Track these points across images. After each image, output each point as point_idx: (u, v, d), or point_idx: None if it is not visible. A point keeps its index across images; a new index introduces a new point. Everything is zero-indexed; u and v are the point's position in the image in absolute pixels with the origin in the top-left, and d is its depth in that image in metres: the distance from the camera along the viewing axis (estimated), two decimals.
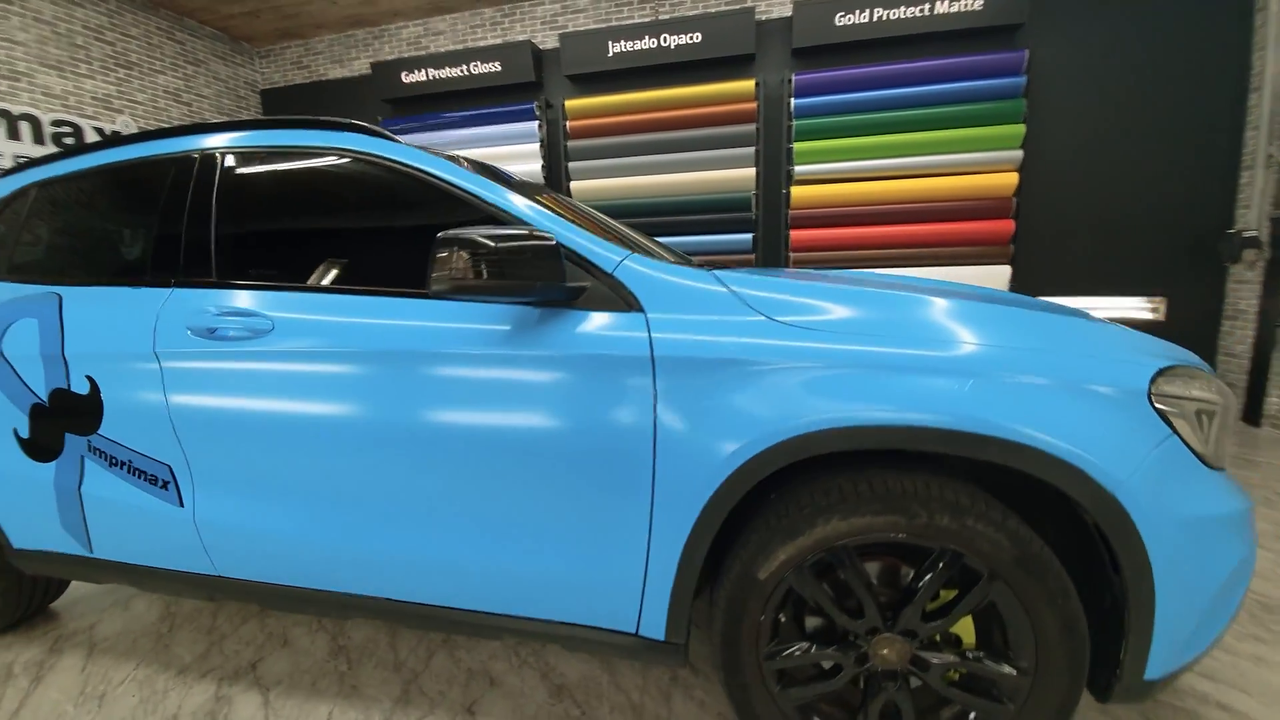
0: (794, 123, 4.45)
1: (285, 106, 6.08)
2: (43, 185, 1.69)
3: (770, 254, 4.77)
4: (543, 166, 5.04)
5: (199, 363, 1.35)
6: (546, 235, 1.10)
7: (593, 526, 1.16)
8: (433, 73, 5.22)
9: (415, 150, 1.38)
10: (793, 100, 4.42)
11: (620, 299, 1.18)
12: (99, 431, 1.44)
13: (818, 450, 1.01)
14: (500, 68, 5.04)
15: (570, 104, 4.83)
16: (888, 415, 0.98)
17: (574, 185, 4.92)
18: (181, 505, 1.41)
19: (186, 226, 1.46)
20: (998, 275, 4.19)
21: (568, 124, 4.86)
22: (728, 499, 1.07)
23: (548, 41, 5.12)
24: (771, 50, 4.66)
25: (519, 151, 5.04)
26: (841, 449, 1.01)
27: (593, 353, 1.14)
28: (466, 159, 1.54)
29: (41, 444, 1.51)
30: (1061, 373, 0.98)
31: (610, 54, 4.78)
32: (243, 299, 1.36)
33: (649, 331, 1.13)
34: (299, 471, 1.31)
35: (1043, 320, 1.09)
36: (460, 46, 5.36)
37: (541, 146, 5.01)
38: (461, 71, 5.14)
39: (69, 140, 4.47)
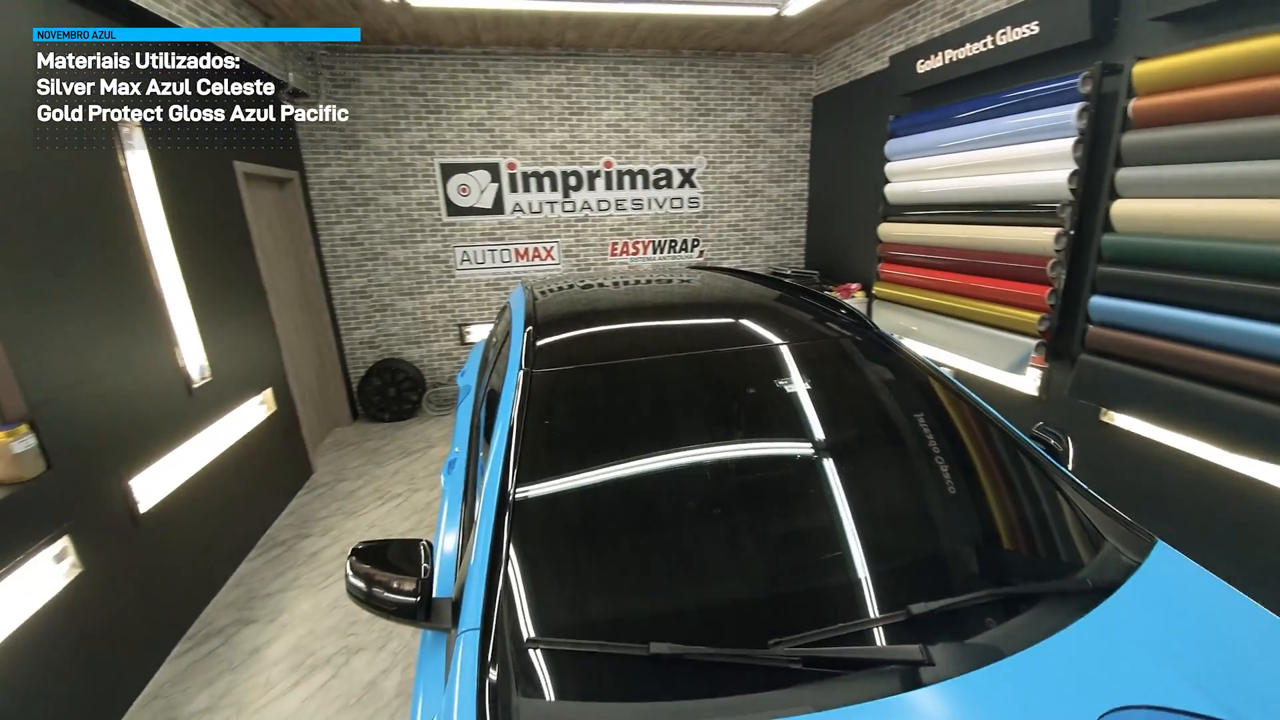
0: None
1: (830, 108, 6.15)
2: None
3: None
4: (1072, 176, 3.23)
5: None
6: (418, 558, 1.03)
7: None
8: (950, 54, 4.05)
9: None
10: None
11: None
12: None
13: None
14: (1037, 29, 3.38)
15: (1140, 69, 2.79)
16: None
17: (1118, 209, 2.96)
18: None
19: None
20: None
21: (1130, 105, 2.86)
22: None
23: None
24: None
25: (1043, 152, 3.39)
26: None
27: None
28: None
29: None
30: None
31: None
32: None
33: None
34: None
35: None
36: (1003, 5, 3.88)
37: (1078, 145, 3.19)
38: (984, 45, 3.76)
39: (662, 182, 6.20)
